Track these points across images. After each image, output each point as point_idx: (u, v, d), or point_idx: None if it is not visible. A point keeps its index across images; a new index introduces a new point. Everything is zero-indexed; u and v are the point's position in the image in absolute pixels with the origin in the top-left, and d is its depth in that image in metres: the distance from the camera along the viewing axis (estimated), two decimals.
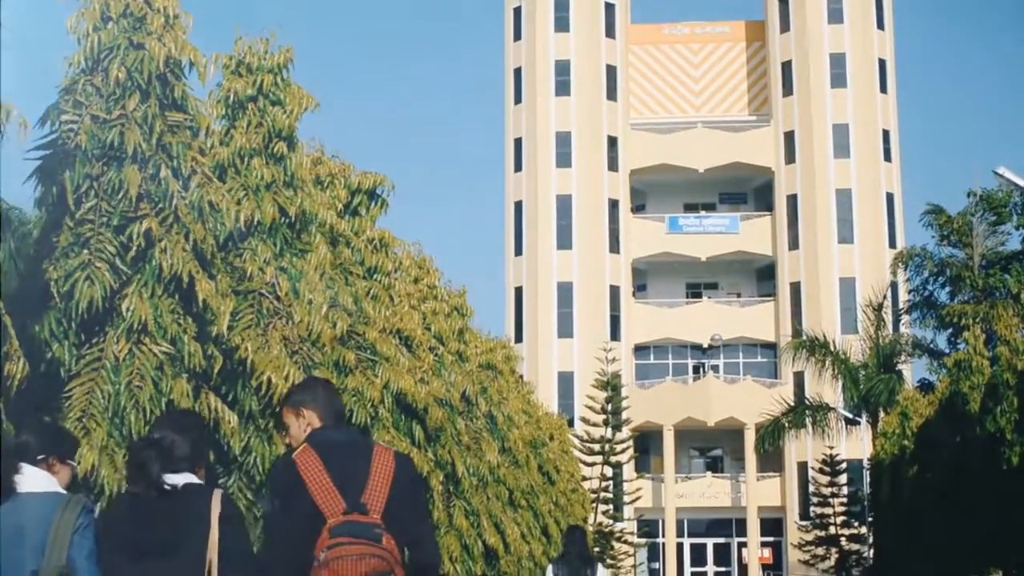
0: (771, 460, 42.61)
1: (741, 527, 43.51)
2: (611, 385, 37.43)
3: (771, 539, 43.67)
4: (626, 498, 38.66)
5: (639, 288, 47.84)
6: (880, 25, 47.47)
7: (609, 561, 32.76)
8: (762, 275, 48.17)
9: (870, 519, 29.52)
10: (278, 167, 7.56)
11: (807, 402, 32.33)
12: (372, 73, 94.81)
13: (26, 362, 4.94)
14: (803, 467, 42.56)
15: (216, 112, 7.70)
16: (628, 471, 40.40)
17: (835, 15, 46.59)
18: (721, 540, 44.62)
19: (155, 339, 5.59)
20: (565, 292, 44.74)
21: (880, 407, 28.16)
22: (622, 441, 37.75)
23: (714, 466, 46.06)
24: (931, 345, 30.62)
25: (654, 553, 43.15)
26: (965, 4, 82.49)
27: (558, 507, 17.49)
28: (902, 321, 33.77)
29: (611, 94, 46.96)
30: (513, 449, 13.71)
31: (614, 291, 45.42)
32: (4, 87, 5.28)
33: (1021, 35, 78.72)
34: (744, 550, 43.44)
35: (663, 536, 42.75)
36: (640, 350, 46.56)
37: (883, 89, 47.07)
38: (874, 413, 28.77)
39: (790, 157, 46.63)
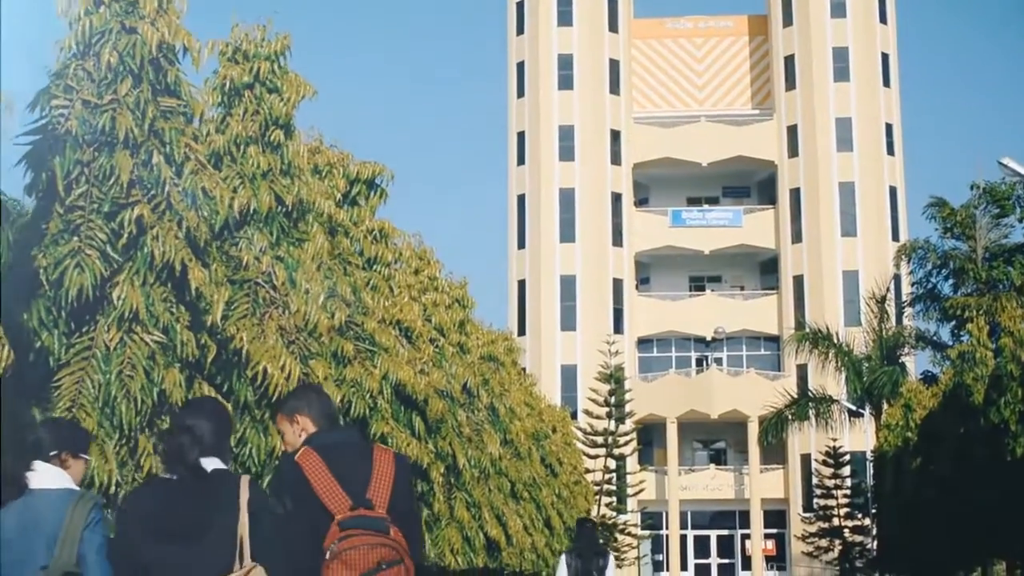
0: (774, 452, 42.47)
1: (745, 519, 43.39)
2: (614, 378, 37.31)
3: (774, 531, 43.54)
4: (629, 490, 38.56)
5: (642, 281, 47.69)
6: (883, 19, 47.21)
7: (613, 553, 32.64)
8: (765, 268, 48.00)
9: (873, 511, 29.37)
10: (275, 155, 7.42)
11: (810, 394, 32.17)
12: (374, 66, 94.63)
13: (11, 350, 4.80)
14: (806, 459, 42.41)
15: (212, 99, 7.55)
16: (631, 463, 40.27)
17: (838, 9, 46.34)
18: (725, 532, 44.50)
19: (147, 328, 5.44)
20: (568, 285, 44.61)
21: (883, 399, 28.00)
22: (625, 434, 37.64)
23: (717, 458, 45.93)
24: (934, 337, 30.41)
25: (658, 545, 43.05)
26: None
27: (561, 499, 17.36)
28: (905, 314, 33.57)
29: (614, 88, 46.78)
30: (515, 441, 13.58)
31: (617, 284, 45.28)
32: None
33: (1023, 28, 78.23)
34: (748, 542, 43.33)
35: (667, 528, 42.63)
36: (643, 343, 46.43)
37: (886, 83, 46.83)
38: (877, 405, 28.61)
39: (793, 151, 46.43)
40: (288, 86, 7.72)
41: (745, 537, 43.60)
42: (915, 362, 35.55)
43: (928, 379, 27.28)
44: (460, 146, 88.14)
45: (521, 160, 46.47)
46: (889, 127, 46.58)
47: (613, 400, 37.16)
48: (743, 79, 49.69)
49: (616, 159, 46.29)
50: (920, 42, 79.45)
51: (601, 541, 9.46)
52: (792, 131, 46.64)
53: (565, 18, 46.60)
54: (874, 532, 30.21)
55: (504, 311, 45.69)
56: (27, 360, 5.11)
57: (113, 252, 5.47)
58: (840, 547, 36.51)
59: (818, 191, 45.43)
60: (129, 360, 5.37)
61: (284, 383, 6.53)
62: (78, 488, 3.39)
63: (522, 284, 45.43)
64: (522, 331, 43.49)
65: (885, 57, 47.09)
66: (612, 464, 36.94)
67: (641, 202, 48.16)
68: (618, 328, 44.04)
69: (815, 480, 39.55)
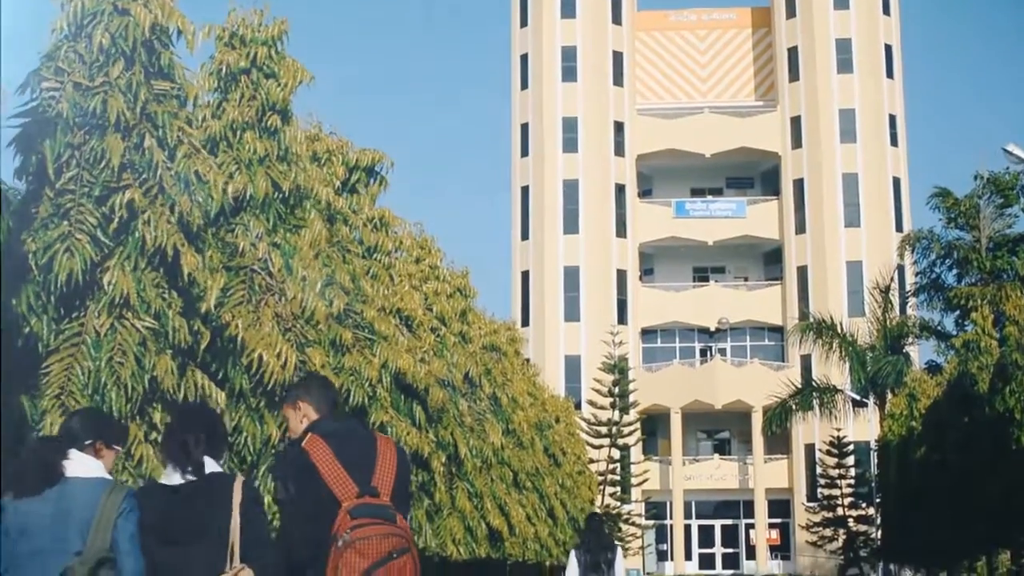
0: (778, 442, 42.32)
1: (749, 509, 43.27)
2: (618, 368, 37.18)
3: (779, 520, 43.41)
4: (633, 480, 38.46)
5: (646, 272, 47.53)
6: (886, 11, 46.91)
7: (617, 543, 32.53)
8: (769, 259, 47.81)
9: (878, 500, 29.22)
10: (271, 141, 7.26)
11: (814, 384, 31.99)
12: (376, 58, 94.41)
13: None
14: (810, 449, 42.26)
15: (208, 85, 7.41)
16: (635, 453, 40.18)
17: (841, 1, 46.06)
18: (729, 522, 44.38)
19: (138, 314, 5.30)
20: (572, 276, 44.47)
21: (888, 389, 27.81)
22: (629, 424, 37.52)
23: (721, 448, 45.79)
24: (938, 327, 30.20)
25: (662, 535, 42.96)
26: None
27: (564, 489, 17.23)
28: (909, 303, 33.35)
29: (617, 80, 46.56)
30: (518, 431, 13.44)
31: (621, 275, 45.12)
32: None
33: None
34: (752, 531, 43.21)
35: (671, 518, 42.54)
36: (647, 334, 46.28)
37: (889, 74, 46.57)
38: (881, 395, 28.42)
39: (796, 142, 46.20)
40: (285, 72, 7.57)
41: (749, 527, 43.48)
42: (919, 352, 35.35)
43: (932, 369, 27.08)
44: (463, 138, 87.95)
45: (525, 152, 46.30)
46: (892, 118, 46.31)
47: (617, 390, 37.04)
48: (746, 71, 49.44)
49: (620, 150, 46.09)
50: (923, 33, 79.00)
51: (607, 531, 9.46)
52: (795, 122, 46.39)
53: (569, 10, 46.38)
54: (878, 521, 30.05)
55: (508, 302, 45.63)
56: (15, 346, 4.97)
57: (104, 236, 5.33)
58: (844, 536, 36.38)
59: (821, 182, 45.20)
60: (120, 346, 5.23)
61: (280, 371, 6.40)
62: (110, 477, 3.46)
63: (526, 275, 45.30)
64: (526, 322, 43.36)
65: (888, 48, 46.82)
66: (616, 454, 36.83)
67: (645, 193, 47.97)
68: (622, 319, 43.90)
69: (819, 470, 39.40)
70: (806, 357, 40.22)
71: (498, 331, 13.83)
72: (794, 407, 30.72)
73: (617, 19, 47.00)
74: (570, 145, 45.53)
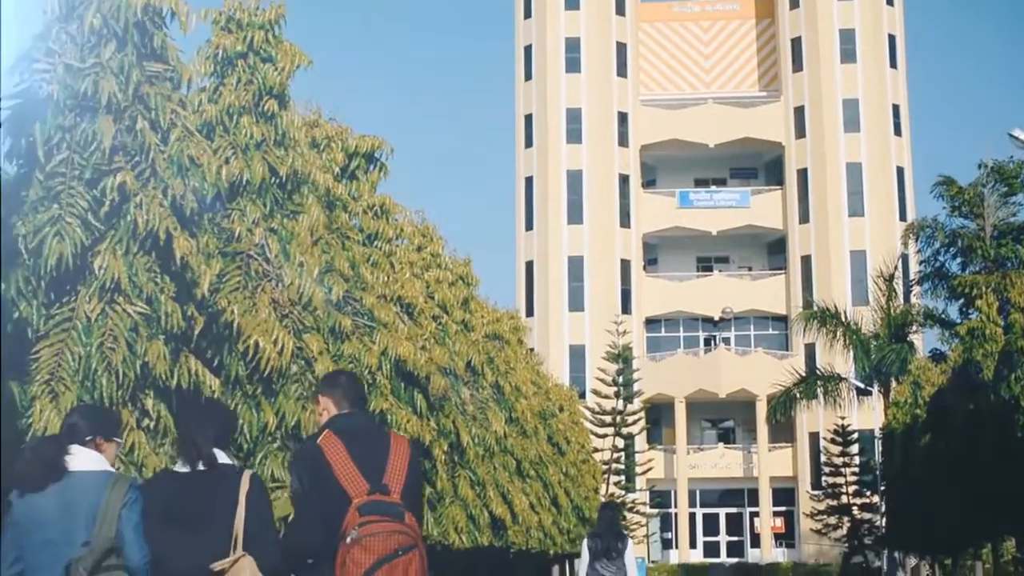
0: (783, 431, 42.18)
1: (753, 497, 43.16)
2: (622, 357, 37.07)
3: (783, 509, 43.30)
4: (638, 469, 38.37)
5: (650, 262, 47.37)
6: (889, 0, 46.57)
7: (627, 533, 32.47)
8: (773, 249, 47.60)
9: (882, 488, 29.07)
10: (268, 125, 7.11)
11: (818, 373, 31.81)
12: (379, 49, 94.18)
13: None
14: (815, 437, 42.11)
15: (204, 69, 7.25)
16: (640, 442, 40.08)
17: None
18: (733, 510, 44.28)
19: (129, 299, 5.17)
20: (576, 266, 44.33)
21: (892, 377, 27.63)
22: (633, 413, 37.41)
23: (726, 437, 45.66)
24: (942, 316, 29.98)
25: (667, 523, 42.88)
26: None
27: (568, 478, 17.10)
28: (913, 292, 33.11)
29: (621, 71, 46.33)
30: (521, 419, 13.30)
31: (625, 265, 44.97)
32: None
33: None
34: (756, 520, 43.10)
35: (675, 506, 42.44)
36: (651, 323, 46.14)
37: (892, 64, 46.26)
38: (886, 383, 28.25)
39: (800, 132, 45.96)
40: (283, 55, 7.41)
41: (754, 515, 43.37)
42: (923, 340, 35.14)
43: (936, 357, 26.89)
44: (467, 129, 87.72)
45: (529, 143, 46.12)
46: (896, 108, 46.01)
47: (621, 379, 36.92)
48: (750, 61, 49.15)
49: (623, 141, 45.88)
50: (927, 22, 78.46)
51: (619, 521, 9.55)
52: (799, 112, 46.13)
53: (572, 1, 46.15)
54: (883, 509, 29.90)
55: (512, 292, 45.48)
56: (5, 331, 4.84)
57: (95, 220, 5.19)
58: (848, 524, 36.25)
59: (825, 172, 44.96)
60: (111, 332, 5.10)
61: (276, 357, 6.27)
62: (113, 470, 3.55)
63: (530, 265, 45.17)
64: (530, 312, 43.25)
65: (892, 38, 46.51)
66: (620, 443, 36.72)
67: (648, 184, 47.77)
68: (626, 308, 43.76)
69: (823, 458, 39.25)
70: (810, 346, 40.03)
71: (501, 319, 13.68)
72: (798, 395, 30.56)
73: (621, 10, 46.75)
74: (574, 136, 45.33)
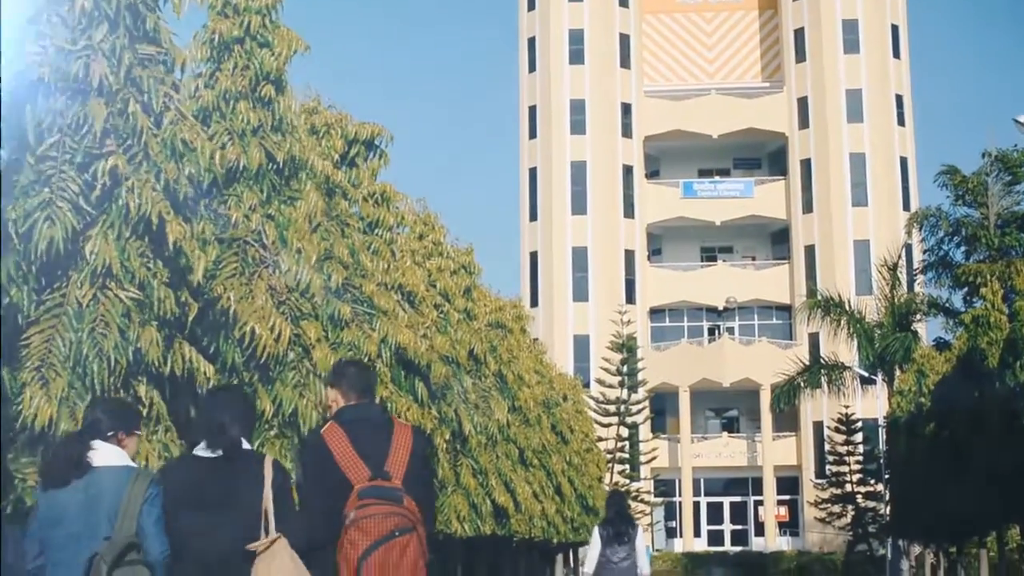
0: (787, 420, 42.04)
1: (757, 486, 43.04)
2: (626, 347, 36.96)
3: (787, 497, 43.18)
4: (642, 458, 38.29)
5: (654, 252, 47.20)
6: None
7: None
8: (776, 238, 47.39)
9: (886, 477, 28.92)
10: (265, 111, 6.98)
11: (822, 362, 31.63)
12: (382, 40, 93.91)
13: None
14: (819, 426, 41.96)
15: (201, 55, 7.12)
16: (644, 431, 39.97)
17: None
18: (737, 499, 44.17)
19: (121, 284, 5.05)
20: (580, 257, 44.18)
21: (896, 365, 27.45)
22: (638, 402, 37.31)
23: (730, 426, 45.52)
24: (946, 304, 29.76)
25: (671, 512, 42.80)
26: None
27: (572, 467, 16.98)
28: (917, 281, 32.90)
29: (624, 62, 46.09)
30: (524, 408, 13.18)
31: (629, 255, 44.81)
32: None
33: None
34: (760, 508, 42.99)
35: (679, 495, 42.35)
36: (655, 313, 45.98)
37: (896, 54, 45.93)
38: (890, 372, 28.06)
39: (804, 122, 45.70)
40: (279, 41, 7.28)
41: (758, 504, 43.26)
42: (927, 329, 34.92)
43: (940, 346, 26.70)
44: (471, 121, 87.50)
45: (533, 134, 45.94)
46: (899, 98, 45.72)
47: (625, 369, 36.82)
48: (753, 52, 48.87)
49: (627, 132, 45.68)
50: (930, 12, 77.94)
51: (628, 509, 9.72)
52: (802, 103, 45.86)
53: None
54: (887, 498, 29.76)
55: (516, 283, 45.35)
56: None
57: (86, 204, 5.07)
58: (853, 513, 36.11)
59: (829, 162, 44.72)
60: (102, 317, 4.98)
61: (273, 344, 6.16)
62: (135, 465, 3.61)
63: (534, 256, 45.04)
64: (534, 302, 43.13)
65: (895, 28, 46.19)
66: (625, 432, 36.63)
67: (652, 174, 47.56)
68: (630, 299, 43.62)
69: (827, 447, 39.10)
70: (814, 335, 39.85)
71: (504, 308, 13.55)
72: (802, 384, 30.40)
73: (624, 1, 46.50)
74: (578, 127, 45.13)
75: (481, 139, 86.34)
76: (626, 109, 45.86)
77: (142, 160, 5.26)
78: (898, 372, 26.96)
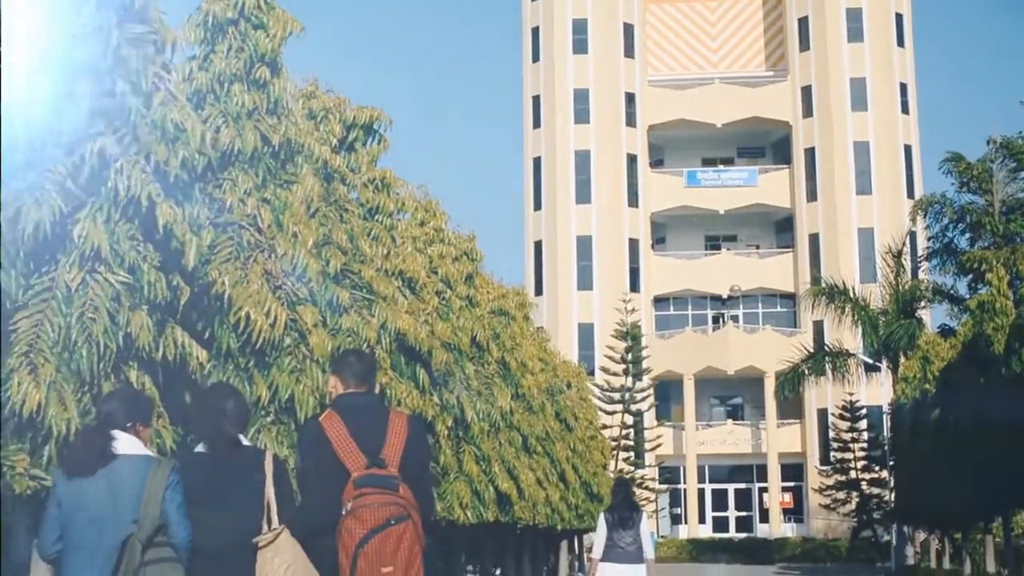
0: (791, 407, 41.89)
1: (762, 473, 42.92)
2: (631, 335, 36.84)
3: (792, 484, 43.06)
4: (647, 445, 38.19)
5: (658, 241, 47.02)
6: None
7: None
8: (780, 227, 47.16)
9: (891, 463, 28.77)
10: (260, 93, 6.81)
11: (827, 349, 31.46)
12: (386, 30, 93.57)
13: None
14: (823, 414, 41.80)
15: (195, 37, 6.96)
16: (649, 419, 39.87)
17: None
18: (742, 486, 44.06)
19: (111, 267, 4.90)
20: (584, 245, 44.02)
21: (900, 352, 27.27)
22: (642, 390, 37.19)
23: (734, 414, 45.38)
24: (951, 291, 29.55)
25: (676, 499, 42.71)
26: None
27: (576, 454, 16.85)
28: (921, 268, 32.70)
29: (628, 51, 45.82)
30: (527, 395, 13.03)
31: (633, 244, 44.64)
32: None
33: None
34: (765, 495, 42.88)
35: (684, 482, 42.26)
36: (660, 301, 45.82)
37: (900, 43, 45.61)
38: (894, 359, 27.90)
39: (807, 111, 45.41)
40: (275, 22, 7.10)
41: (763, 490, 43.15)
42: (931, 317, 34.72)
43: (945, 333, 26.50)
44: (475, 111, 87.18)
45: (537, 123, 45.74)
46: (904, 87, 45.42)
47: (630, 357, 36.70)
48: (757, 41, 48.55)
49: (631, 121, 45.45)
50: (935, 1, 77.27)
51: (633, 496, 10.02)
52: (806, 91, 45.57)
53: None
54: (891, 484, 29.60)
55: (521, 272, 45.22)
56: None
57: (74, 186, 4.91)
58: (857, 499, 35.96)
59: (833, 150, 44.45)
60: (91, 302, 4.83)
61: (269, 329, 6.00)
62: (154, 454, 3.71)
63: (539, 245, 44.89)
64: (539, 291, 43.01)
65: (899, 17, 45.84)
66: (629, 420, 36.53)
67: (656, 163, 47.33)
68: (634, 287, 43.46)
69: (832, 434, 38.95)
70: (818, 323, 39.67)
71: (507, 295, 13.38)
72: (806, 372, 30.25)
73: None
74: (582, 116, 44.91)
75: (485, 129, 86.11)
76: (630, 98, 45.61)
77: (131, 142, 5.10)
78: (902, 359, 26.79)
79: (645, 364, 37.87)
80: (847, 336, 32.19)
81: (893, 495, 28.97)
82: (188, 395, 5.59)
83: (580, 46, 45.35)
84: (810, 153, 45.22)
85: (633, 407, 36.48)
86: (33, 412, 4.57)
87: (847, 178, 44.25)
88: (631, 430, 36.78)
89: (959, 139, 79.09)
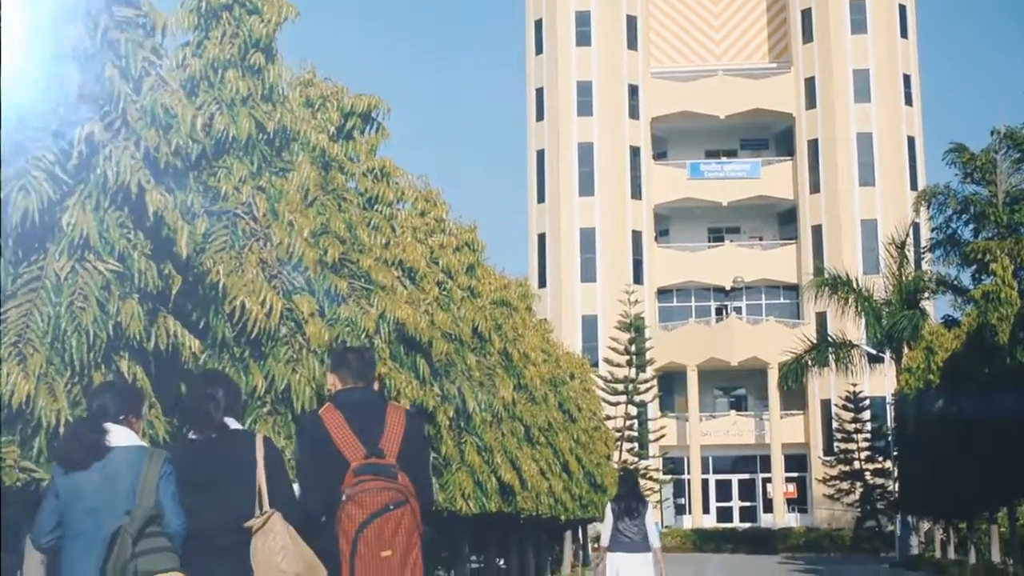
0: (794, 398, 41.74)
1: (766, 463, 42.80)
2: (634, 326, 36.71)
3: (795, 474, 42.93)
4: (651, 436, 38.08)
5: (661, 233, 46.83)
6: None
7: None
8: (784, 219, 46.95)
9: (894, 453, 28.61)
10: (255, 80, 6.67)
11: (830, 340, 31.29)
12: (389, 21, 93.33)
13: None
14: (826, 404, 41.64)
15: (188, 23, 6.81)
16: (652, 410, 39.75)
17: None
18: (746, 476, 43.94)
19: (100, 256, 4.77)
20: (588, 238, 43.86)
21: (904, 343, 27.09)
22: (646, 381, 37.07)
23: (738, 405, 45.24)
24: (955, 282, 29.34)
25: (680, 489, 42.62)
26: None
27: (579, 444, 16.73)
28: (924, 259, 32.47)
29: (632, 44, 45.57)
30: (530, 386, 12.90)
31: (636, 236, 44.47)
32: None
33: None
34: (769, 486, 42.77)
35: (688, 473, 42.15)
36: (663, 293, 45.66)
37: (903, 34, 45.31)
38: (898, 349, 27.73)
39: (811, 103, 45.14)
40: (269, 7, 6.95)
41: (766, 481, 43.03)
42: (934, 307, 34.51)
43: (949, 323, 26.31)
44: (478, 103, 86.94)
45: (540, 116, 45.54)
46: (907, 78, 45.11)
47: (633, 348, 36.58)
48: (760, 33, 48.27)
49: (634, 113, 45.22)
50: None
51: (638, 486, 10.17)
52: (809, 83, 45.30)
53: None
54: (895, 474, 29.45)
55: (525, 264, 45.08)
56: None
57: (62, 173, 4.78)
58: (861, 490, 35.82)
59: (836, 142, 44.19)
60: (81, 290, 4.70)
61: (264, 319, 5.88)
62: (147, 445, 3.74)
63: (542, 237, 44.73)
64: (543, 283, 42.88)
65: (903, 8, 45.57)
66: (633, 411, 36.42)
67: (659, 155, 47.11)
68: (638, 279, 43.31)
69: (835, 424, 38.80)
70: (821, 314, 39.49)
71: (509, 286, 13.25)
72: (810, 362, 30.10)
73: None
74: (585, 109, 44.70)
75: (488, 122, 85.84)
76: (633, 90, 45.38)
77: (120, 127, 4.97)
78: (906, 350, 26.62)
79: (649, 355, 37.74)
80: (850, 327, 32.00)
81: (897, 485, 28.83)
82: (183, 385, 5.48)
83: (583, 38, 45.12)
84: (813, 145, 44.99)
85: (637, 398, 36.35)
86: (22, 403, 4.45)
87: (850, 169, 44.01)
88: (635, 421, 36.66)
89: (962, 131, 78.70)
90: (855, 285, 29.42)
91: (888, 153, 44.04)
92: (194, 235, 5.66)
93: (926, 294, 29.90)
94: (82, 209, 4.78)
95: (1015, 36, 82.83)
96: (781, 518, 41.41)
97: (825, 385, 39.69)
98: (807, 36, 45.46)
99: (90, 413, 3.72)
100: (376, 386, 4.09)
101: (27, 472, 4.61)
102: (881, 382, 35.75)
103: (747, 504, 43.59)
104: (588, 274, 43.58)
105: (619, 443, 32.99)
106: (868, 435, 36.32)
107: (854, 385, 35.42)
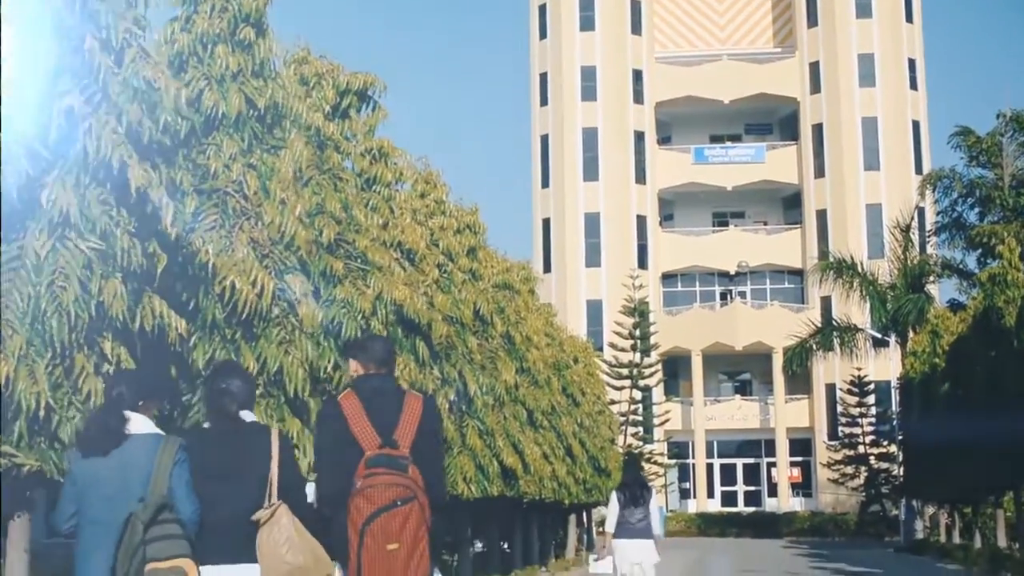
0: (799, 383, 41.51)
1: (770, 448, 42.63)
2: (639, 311, 36.51)
3: (800, 459, 42.76)
4: (655, 421, 37.92)
5: (666, 218, 46.53)
6: None
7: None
8: (788, 203, 46.59)
9: (899, 438, 28.40)
10: (245, 55, 6.46)
11: (835, 324, 31.04)
12: (392, 11, 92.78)
13: None
14: (831, 388, 41.41)
15: None
16: (657, 395, 39.58)
17: None
18: (751, 460, 43.79)
19: (82, 233, 4.58)
20: (592, 222, 43.58)
21: (909, 327, 26.83)
22: (650, 365, 36.89)
23: (743, 389, 45.04)
24: (960, 266, 29.04)
25: (684, 473, 42.49)
26: None
27: (583, 428, 16.55)
28: (930, 243, 32.17)
29: (636, 28, 45.14)
30: (533, 370, 12.71)
31: (641, 221, 44.19)
32: None
33: None
34: (773, 470, 42.61)
35: (693, 457, 42.01)
36: (668, 278, 45.40)
37: (908, 18, 44.80)
38: (903, 333, 27.47)
39: (815, 87, 44.72)
40: None
41: (771, 465, 42.87)
42: (939, 292, 34.22)
43: (955, 307, 26.05)
44: (483, 88, 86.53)
45: (544, 101, 45.19)
46: (912, 62, 44.62)
47: (638, 332, 36.39)
48: (764, 17, 47.80)
49: (639, 98, 44.85)
50: None
51: (643, 472, 10.17)
52: (814, 68, 44.86)
53: None
54: (900, 458, 29.25)
55: (529, 249, 44.85)
56: None
57: (42, 148, 4.59)
58: (866, 474, 35.65)
59: (840, 126, 43.78)
60: (62, 270, 4.52)
61: (255, 299, 5.69)
62: (162, 433, 3.73)
63: (547, 222, 44.48)
64: (547, 268, 42.65)
65: None
66: (638, 395, 36.26)
67: (664, 140, 46.75)
68: (642, 264, 43.05)
69: (840, 409, 38.59)
70: (826, 299, 39.21)
71: (511, 270, 13.04)
72: (814, 347, 29.87)
73: None
74: (589, 93, 44.34)
75: (492, 106, 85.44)
76: (637, 75, 44.99)
77: (101, 101, 4.76)
78: (911, 333, 26.36)
79: (653, 340, 37.53)
80: (855, 311, 31.74)
81: (901, 469, 28.64)
82: (173, 368, 5.30)
83: (587, 23, 44.71)
84: (818, 129, 44.60)
85: (641, 383, 36.19)
86: (1, 385, 4.28)
87: (855, 154, 43.62)
88: (639, 405, 36.50)
89: (967, 115, 78.02)
90: (860, 269, 29.16)
91: (893, 137, 43.64)
92: (182, 213, 5.47)
93: (931, 278, 29.62)
94: (62, 185, 4.59)
95: (1020, 19, 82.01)
96: (786, 502, 41.27)
97: (830, 369, 39.45)
98: (812, 20, 45.01)
99: (109, 400, 3.73)
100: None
101: (7, 457, 4.44)
102: (886, 366, 35.51)
103: (752, 488, 43.46)
104: (592, 259, 43.34)
105: (624, 427, 32.84)
106: (873, 419, 36.12)
107: (859, 369, 35.18)
